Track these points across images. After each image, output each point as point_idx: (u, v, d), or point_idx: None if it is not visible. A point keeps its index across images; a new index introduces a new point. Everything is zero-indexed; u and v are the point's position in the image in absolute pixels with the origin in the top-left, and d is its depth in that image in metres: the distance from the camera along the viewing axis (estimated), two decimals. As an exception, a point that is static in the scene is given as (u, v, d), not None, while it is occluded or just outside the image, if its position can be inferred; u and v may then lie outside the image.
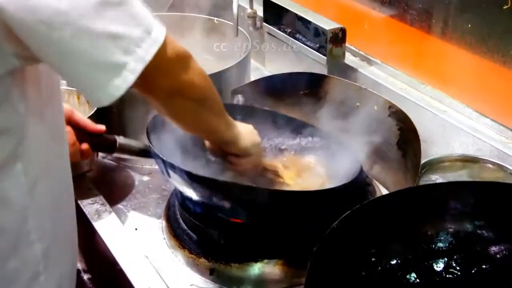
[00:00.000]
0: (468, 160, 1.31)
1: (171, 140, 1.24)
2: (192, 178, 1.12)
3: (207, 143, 1.21)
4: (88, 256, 1.37)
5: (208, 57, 1.75)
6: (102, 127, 1.24)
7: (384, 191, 1.37)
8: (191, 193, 1.17)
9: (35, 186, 0.90)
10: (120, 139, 1.24)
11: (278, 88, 1.50)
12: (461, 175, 1.28)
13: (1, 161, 0.86)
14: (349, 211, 1.02)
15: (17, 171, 0.88)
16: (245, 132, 1.19)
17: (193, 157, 1.25)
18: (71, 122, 1.21)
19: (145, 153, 1.22)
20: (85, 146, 1.21)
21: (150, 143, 1.18)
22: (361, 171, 1.27)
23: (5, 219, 0.89)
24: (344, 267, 0.96)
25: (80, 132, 1.21)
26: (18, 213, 0.90)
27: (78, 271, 1.32)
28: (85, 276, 1.33)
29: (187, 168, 1.14)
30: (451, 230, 1.04)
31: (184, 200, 1.25)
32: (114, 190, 1.46)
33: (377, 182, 1.39)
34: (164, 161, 1.15)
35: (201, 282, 1.20)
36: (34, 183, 0.90)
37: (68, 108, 1.22)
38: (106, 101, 0.84)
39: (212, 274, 1.20)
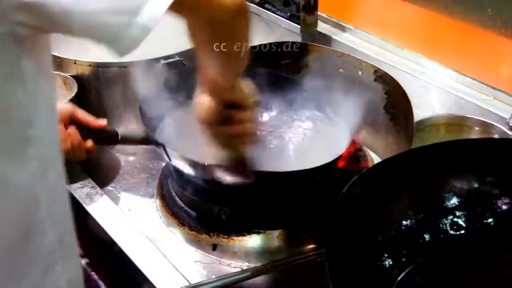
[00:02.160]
0: (455, 119, 1.34)
1: (167, 119, 1.23)
2: (195, 166, 1.11)
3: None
4: (83, 240, 1.33)
5: (175, 31, 1.72)
6: (104, 122, 1.21)
7: (374, 156, 1.38)
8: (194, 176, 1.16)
9: (47, 171, 0.87)
10: (121, 131, 1.21)
11: (257, 59, 1.48)
12: (452, 134, 1.31)
13: (11, 144, 0.81)
14: (355, 177, 1.02)
15: (29, 156, 0.83)
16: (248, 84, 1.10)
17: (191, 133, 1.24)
18: (74, 120, 1.17)
19: (147, 141, 1.21)
20: (89, 143, 1.18)
21: (148, 129, 1.17)
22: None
23: (18, 208, 0.85)
24: (359, 233, 0.96)
25: (82, 129, 1.17)
26: (30, 201, 0.86)
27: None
28: (83, 261, 1.30)
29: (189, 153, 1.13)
30: (454, 188, 1.06)
31: (182, 178, 1.24)
32: (101, 172, 1.42)
33: (366, 148, 1.40)
34: (165, 148, 1.14)
35: (204, 258, 1.19)
36: (45, 167, 0.87)
37: (69, 106, 1.19)
38: (140, 36, 0.74)
39: (215, 249, 1.19)
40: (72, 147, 1.15)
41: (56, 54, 1.47)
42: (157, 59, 1.43)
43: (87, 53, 1.52)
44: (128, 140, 1.23)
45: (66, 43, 1.52)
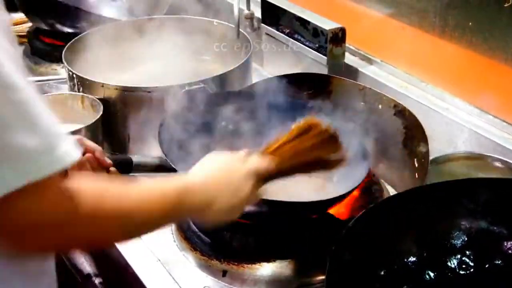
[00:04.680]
0: (474, 157, 1.32)
1: (184, 146, 1.25)
2: None
3: None
4: (98, 260, 1.37)
5: (208, 58, 1.76)
6: (108, 163, 1.19)
7: (391, 190, 1.38)
8: None
9: None
10: (135, 158, 1.23)
11: (281, 89, 1.50)
12: (469, 172, 1.29)
13: None
14: (363, 211, 1.03)
15: None
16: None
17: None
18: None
19: (161, 168, 1.22)
20: (113, 169, 1.19)
21: (166, 156, 1.19)
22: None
23: None
24: (362, 266, 0.97)
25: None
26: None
27: (89, 276, 1.33)
28: (97, 280, 1.33)
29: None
30: (463, 227, 1.06)
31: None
32: (121, 194, 1.45)
33: (383, 181, 1.40)
34: None
35: (214, 283, 1.20)
36: None
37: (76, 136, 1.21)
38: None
39: (224, 275, 1.20)
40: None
41: (85, 76, 1.51)
42: (182, 85, 1.45)
43: (114, 77, 1.57)
44: (142, 168, 1.24)
45: (93, 67, 1.57)
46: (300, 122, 1.06)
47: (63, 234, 0.74)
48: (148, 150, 1.50)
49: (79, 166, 1.15)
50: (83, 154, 1.18)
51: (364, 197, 1.32)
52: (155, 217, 0.86)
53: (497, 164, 1.31)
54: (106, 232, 0.80)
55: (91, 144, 1.20)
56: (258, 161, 0.99)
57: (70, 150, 0.72)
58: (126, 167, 1.24)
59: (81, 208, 0.73)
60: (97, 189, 0.78)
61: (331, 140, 1.06)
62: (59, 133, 0.72)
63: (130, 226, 0.82)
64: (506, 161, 1.30)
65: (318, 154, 1.05)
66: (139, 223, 0.83)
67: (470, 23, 1.46)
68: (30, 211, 0.69)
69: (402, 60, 1.66)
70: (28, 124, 0.69)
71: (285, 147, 1.03)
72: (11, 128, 0.67)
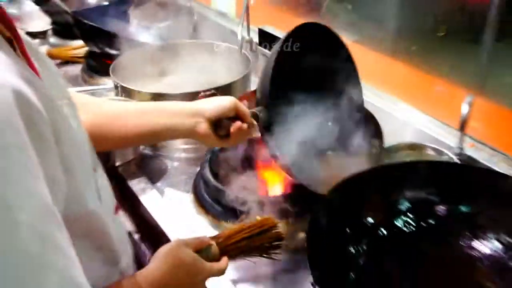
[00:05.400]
0: (416, 146, 1.36)
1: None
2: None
3: None
4: (137, 221, 1.39)
5: (218, 72, 1.78)
6: (256, 134, 1.13)
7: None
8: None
9: None
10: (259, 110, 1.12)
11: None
12: (412, 156, 1.33)
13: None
14: (333, 187, 1.05)
15: None
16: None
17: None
18: (236, 112, 1.09)
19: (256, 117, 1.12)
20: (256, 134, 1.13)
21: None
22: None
23: None
24: (334, 227, 0.99)
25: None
26: None
27: (130, 233, 1.35)
28: (136, 236, 1.36)
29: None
30: (408, 196, 1.08)
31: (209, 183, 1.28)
32: (153, 172, 1.48)
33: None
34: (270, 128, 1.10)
35: (221, 237, 1.23)
36: None
37: (233, 99, 1.09)
38: None
39: (228, 231, 1.23)
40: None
41: (126, 86, 1.54)
42: (198, 92, 1.48)
43: (147, 86, 1.59)
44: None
45: (132, 79, 1.58)
46: (260, 222, 1.02)
47: None
48: (173, 144, 1.54)
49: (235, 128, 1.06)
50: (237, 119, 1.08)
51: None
52: None
53: (432, 151, 1.34)
54: None
55: (244, 109, 1.09)
56: (216, 268, 0.93)
57: None
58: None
59: None
60: None
61: (279, 240, 1.02)
62: None
63: None
64: (438, 149, 1.33)
65: (263, 250, 1.02)
66: None
67: (414, 48, 1.49)
68: None
69: (364, 75, 1.69)
70: None
71: (242, 242, 0.99)
72: None
